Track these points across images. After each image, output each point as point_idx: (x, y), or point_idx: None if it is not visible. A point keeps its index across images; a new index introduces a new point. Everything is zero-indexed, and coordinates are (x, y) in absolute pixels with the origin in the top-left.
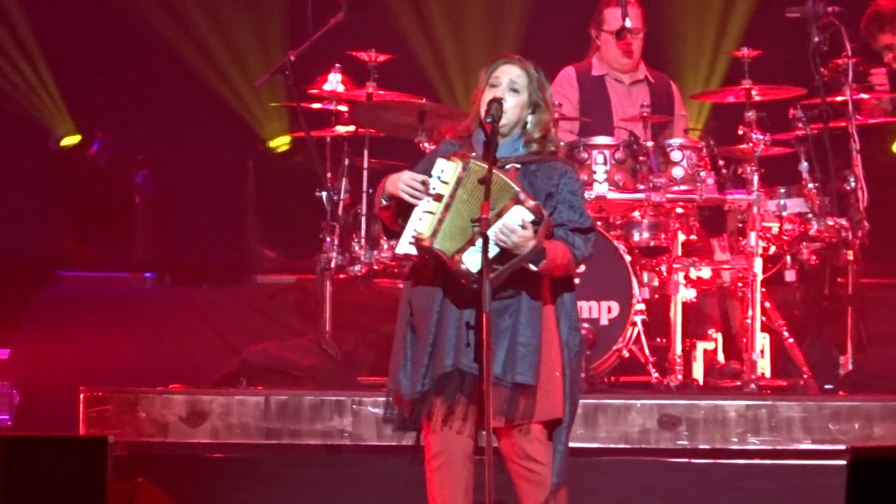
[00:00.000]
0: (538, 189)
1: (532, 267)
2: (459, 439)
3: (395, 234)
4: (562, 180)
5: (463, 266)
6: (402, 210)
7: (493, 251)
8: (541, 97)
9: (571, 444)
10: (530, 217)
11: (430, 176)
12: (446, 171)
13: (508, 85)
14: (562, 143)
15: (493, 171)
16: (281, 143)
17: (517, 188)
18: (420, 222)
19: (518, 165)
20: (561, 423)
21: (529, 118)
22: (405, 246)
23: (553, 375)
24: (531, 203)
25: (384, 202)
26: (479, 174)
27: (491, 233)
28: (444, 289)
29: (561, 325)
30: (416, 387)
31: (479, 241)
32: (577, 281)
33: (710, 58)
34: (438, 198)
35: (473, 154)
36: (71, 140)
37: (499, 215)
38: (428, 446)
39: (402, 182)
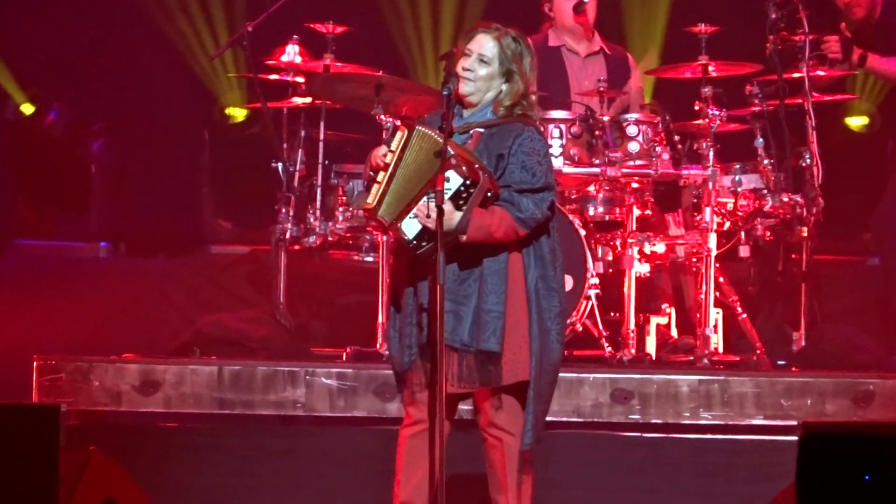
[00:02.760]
0: (491, 151)
1: (461, 237)
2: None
3: None
4: (516, 140)
5: (402, 235)
6: None
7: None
8: (515, 67)
9: None
10: (459, 181)
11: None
12: (394, 140)
13: (478, 57)
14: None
15: (434, 135)
16: (237, 114)
17: (451, 152)
18: (369, 193)
19: (482, 130)
20: (528, 385)
21: (503, 87)
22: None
23: (518, 338)
24: (463, 168)
25: (371, 174)
26: (424, 142)
27: (421, 201)
28: (413, 262)
29: (528, 284)
30: (404, 358)
31: (415, 209)
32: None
33: (666, 33)
34: (385, 167)
35: (422, 125)
36: (26, 110)
37: (430, 183)
38: (406, 414)
39: (373, 156)
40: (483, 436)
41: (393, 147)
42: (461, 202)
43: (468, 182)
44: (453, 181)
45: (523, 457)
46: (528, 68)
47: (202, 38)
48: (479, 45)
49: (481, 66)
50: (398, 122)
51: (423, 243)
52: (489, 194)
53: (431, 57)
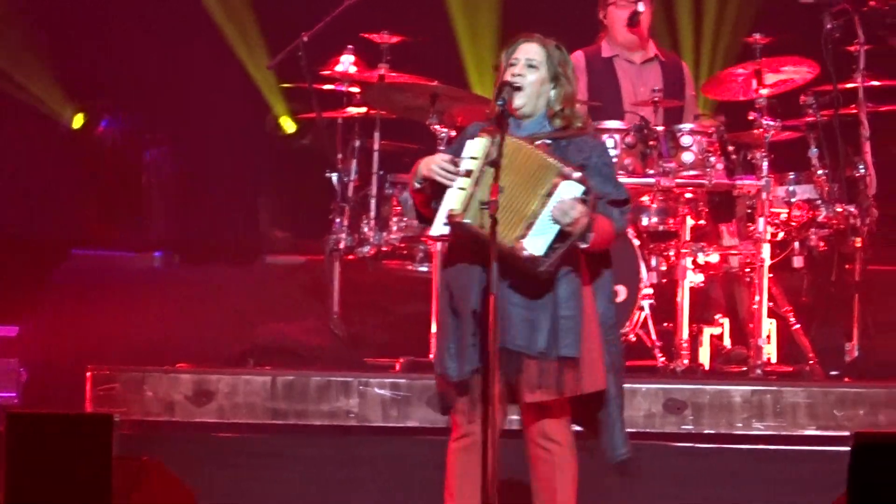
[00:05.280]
0: (570, 163)
1: (581, 244)
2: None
3: (426, 219)
4: (593, 153)
5: (526, 252)
6: (436, 192)
7: (551, 231)
8: (562, 71)
9: (575, 428)
10: (580, 190)
11: (461, 157)
12: (476, 148)
13: (526, 62)
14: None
15: (528, 146)
16: (289, 124)
17: (559, 163)
18: (453, 200)
19: (549, 142)
20: (606, 395)
21: (552, 93)
22: (439, 227)
23: (594, 348)
24: (577, 175)
25: (417, 185)
26: (512, 149)
27: (546, 212)
28: (482, 267)
29: (597, 298)
30: (465, 367)
31: (538, 224)
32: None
33: (721, 42)
34: (469, 174)
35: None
36: (77, 121)
37: (549, 194)
38: (456, 426)
39: (434, 163)
40: (532, 449)
41: (475, 154)
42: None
43: (586, 189)
44: (572, 188)
45: (620, 469)
46: (573, 75)
47: (258, 47)
48: (525, 52)
49: (530, 71)
50: (455, 134)
51: (548, 259)
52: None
53: (487, 67)
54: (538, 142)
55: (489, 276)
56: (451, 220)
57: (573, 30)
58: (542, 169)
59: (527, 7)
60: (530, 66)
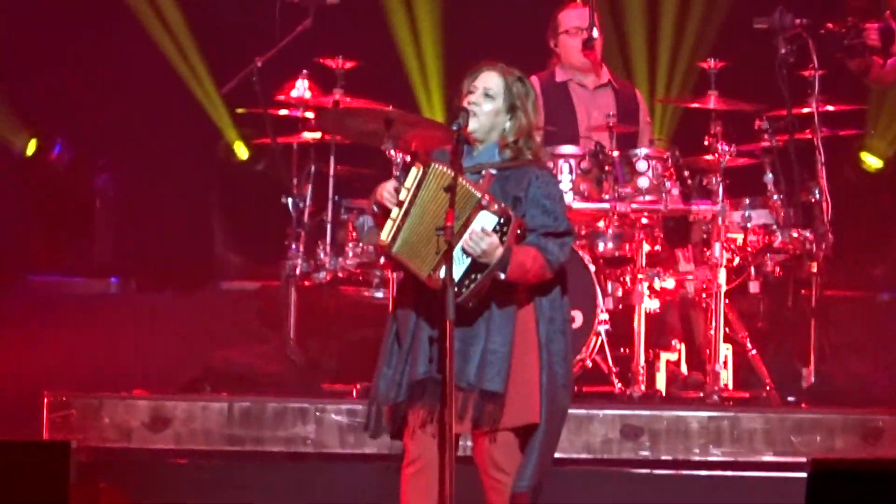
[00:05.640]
0: (508, 193)
1: (500, 275)
2: (433, 446)
3: None
4: (532, 184)
5: (438, 284)
6: (386, 218)
7: (465, 262)
8: (520, 104)
9: None
10: (493, 221)
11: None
12: (409, 177)
13: (483, 92)
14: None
15: (457, 178)
16: (242, 150)
17: (478, 194)
18: (383, 229)
19: (494, 171)
20: (537, 427)
21: (507, 124)
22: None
23: (528, 380)
24: (495, 207)
25: (375, 209)
26: (442, 179)
27: (459, 243)
28: (421, 298)
29: (540, 328)
30: (392, 393)
31: (454, 256)
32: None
33: (675, 68)
34: (399, 204)
35: (436, 161)
36: (31, 148)
37: (465, 225)
38: (406, 452)
39: (384, 190)
40: (483, 477)
41: (408, 184)
42: (501, 238)
43: (502, 220)
44: (487, 219)
45: (520, 500)
46: (532, 108)
47: (209, 72)
48: (484, 81)
49: (486, 101)
50: (409, 159)
51: (464, 289)
52: (518, 231)
53: (439, 92)
54: (483, 171)
55: (433, 307)
56: (379, 248)
57: (519, 57)
58: (463, 198)
59: (481, 32)
60: (487, 96)
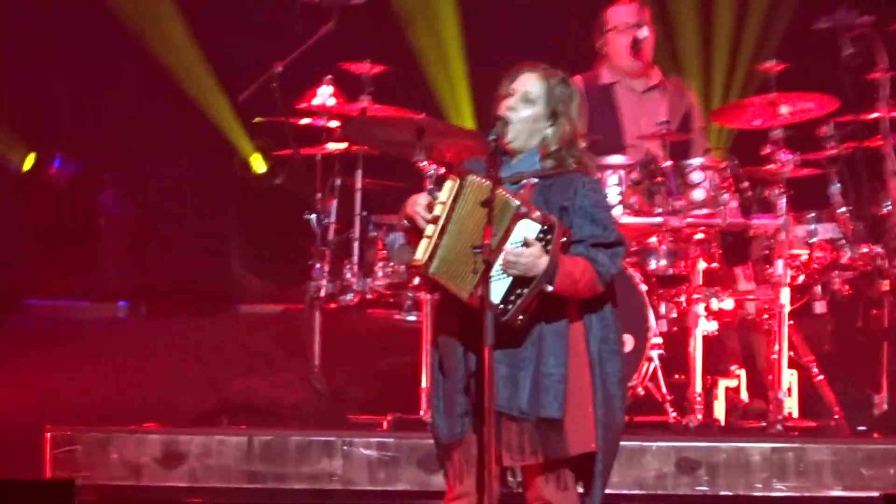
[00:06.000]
0: (552, 204)
1: (548, 287)
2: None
3: None
4: (579, 192)
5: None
6: (419, 234)
7: (506, 281)
8: (563, 108)
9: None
10: (535, 230)
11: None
12: (444, 191)
13: (522, 96)
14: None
15: (494, 190)
16: (260, 163)
17: (517, 202)
18: (418, 248)
19: (535, 181)
20: (595, 457)
21: (549, 130)
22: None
23: (583, 404)
24: (536, 214)
25: (405, 223)
26: (479, 193)
27: (498, 261)
28: (463, 321)
29: (591, 349)
30: (456, 429)
31: (494, 271)
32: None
33: (733, 70)
34: (435, 220)
35: (472, 173)
36: (28, 163)
37: (505, 237)
38: (449, 488)
39: (414, 204)
40: None
41: (443, 198)
42: (545, 248)
43: (545, 227)
44: (528, 228)
45: None
46: (577, 112)
47: (223, 80)
48: (524, 84)
49: (525, 105)
50: (445, 171)
51: (510, 306)
52: (564, 240)
53: (473, 99)
54: (524, 181)
55: (480, 328)
56: (415, 271)
57: (571, 54)
58: (501, 210)
59: (521, 33)
60: (526, 101)
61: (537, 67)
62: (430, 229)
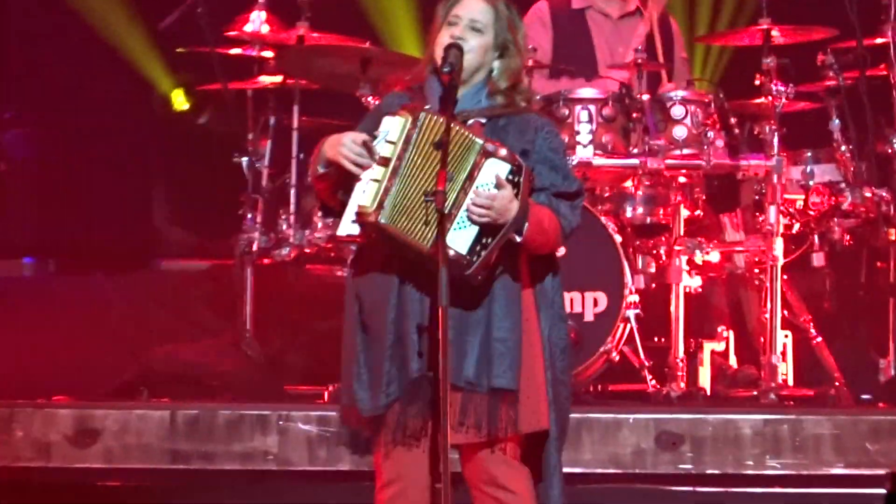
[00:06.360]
0: (510, 147)
1: (516, 237)
2: (418, 463)
3: (333, 212)
4: (538, 135)
5: (451, 252)
6: (344, 181)
7: (472, 230)
8: (511, 39)
9: None
10: (505, 170)
11: (376, 137)
12: (392, 129)
13: (469, 24)
14: (537, 97)
15: (453, 125)
16: (182, 99)
17: (480, 140)
18: (363, 194)
19: (483, 120)
20: (548, 436)
21: (496, 63)
22: (348, 225)
23: (535, 377)
24: (503, 152)
25: (321, 170)
26: (434, 130)
27: (468, 201)
28: (400, 276)
29: (542, 314)
30: (379, 400)
31: (460, 217)
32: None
33: None
34: (384, 162)
35: (427, 107)
36: None
37: (470, 180)
38: (379, 472)
39: (342, 146)
40: (476, 495)
41: (393, 137)
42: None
43: (514, 168)
44: (497, 168)
45: None
46: (523, 44)
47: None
48: (469, 10)
49: (474, 35)
50: (381, 105)
51: (475, 257)
52: (530, 185)
53: (422, 24)
54: (471, 120)
55: (427, 285)
56: (362, 218)
57: None
58: (464, 149)
59: None
60: (473, 29)
61: None
62: (377, 172)
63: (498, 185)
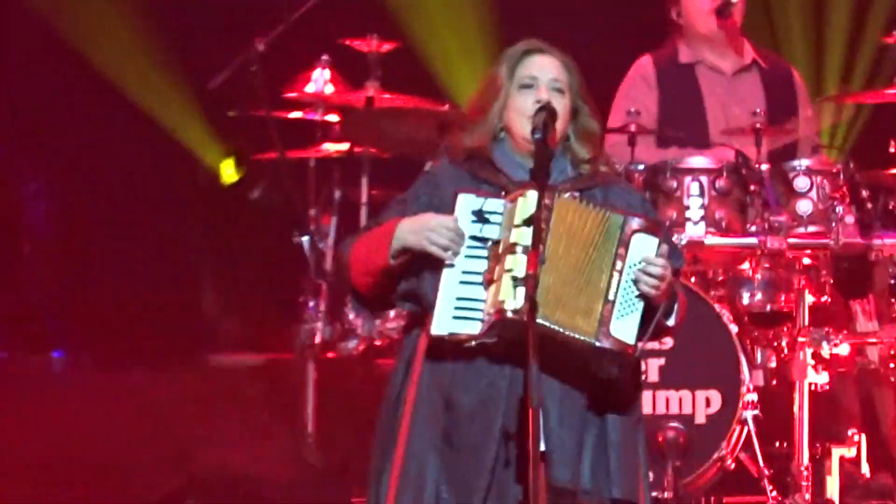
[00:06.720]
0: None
1: (667, 321)
2: None
3: (382, 303)
4: (644, 206)
5: (614, 345)
6: (414, 269)
7: (636, 307)
8: (581, 102)
9: None
10: (655, 243)
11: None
12: (517, 210)
13: (551, 85)
14: (640, 167)
15: (573, 201)
16: (231, 171)
17: (617, 213)
18: (499, 289)
19: (577, 194)
20: None
21: (570, 128)
22: (447, 322)
23: (638, 480)
24: (646, 224)
25: (392, 261)
26: (565, 208)
27: (625, 282)
28: (511, 374)
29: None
30: None
31: (621, 302)
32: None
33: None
34: (511, 249)
35: (549, 183)
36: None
37: (619, 258)
38: None
39: (431, 231)
40: None
41: (518, 221)
42: None
43: (661, 241)
44: (647, 244)
45: None
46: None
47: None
48: (546, 70)
49: (557, 97)
50: (434, 179)
51: (640, 343)
52: None
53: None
54: (566, 194)
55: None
56: (501, 316)
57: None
58: (602, 226)
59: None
60: (557, 90)
61: (546, 47)
62: (511, 261)
63: (653, 262)
